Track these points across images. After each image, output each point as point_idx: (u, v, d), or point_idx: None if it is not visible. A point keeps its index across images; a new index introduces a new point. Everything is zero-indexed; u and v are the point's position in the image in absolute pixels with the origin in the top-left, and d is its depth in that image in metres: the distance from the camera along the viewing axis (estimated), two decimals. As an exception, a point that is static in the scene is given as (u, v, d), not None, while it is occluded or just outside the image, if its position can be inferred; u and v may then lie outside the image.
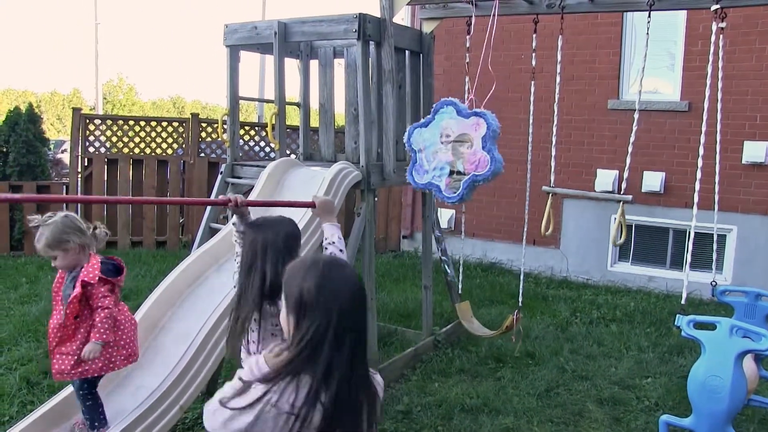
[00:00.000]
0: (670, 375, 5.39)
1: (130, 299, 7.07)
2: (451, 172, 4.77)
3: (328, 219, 3.05)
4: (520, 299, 5.33)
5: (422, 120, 4.94)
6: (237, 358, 2.79)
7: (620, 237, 4.71)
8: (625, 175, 4.71)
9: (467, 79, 5.42)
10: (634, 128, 4.58)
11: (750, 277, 7.54)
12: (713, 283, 4.59)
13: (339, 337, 1.73)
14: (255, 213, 3.07)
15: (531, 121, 5.28)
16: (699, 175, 4.34)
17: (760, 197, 7.73)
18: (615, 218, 4.76)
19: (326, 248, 2.88)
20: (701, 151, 4.33)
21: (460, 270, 6.09)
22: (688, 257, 4.33)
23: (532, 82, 5.18)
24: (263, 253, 2.66)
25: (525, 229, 5.33)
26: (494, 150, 4.74)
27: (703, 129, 4.34)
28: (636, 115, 4.59)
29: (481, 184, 4.72)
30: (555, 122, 5.01)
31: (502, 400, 4.89)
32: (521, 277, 5.31)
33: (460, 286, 6.11)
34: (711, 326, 3.84)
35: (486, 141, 4.78)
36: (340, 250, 2.87)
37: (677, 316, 3.95)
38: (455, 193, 4.77)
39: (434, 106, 4.89)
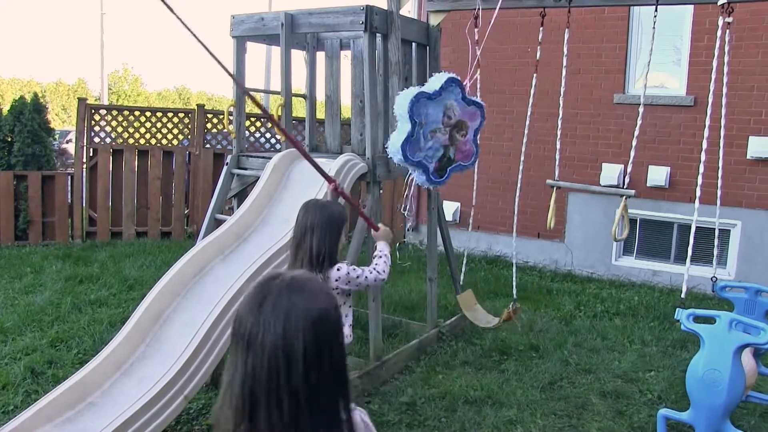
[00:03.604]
0: (673, 369, 5.40)
1: (135, 289, 7.11)
2: (442, 156, 4.67)
3: (388, 242, 3.68)
4: (514, 291, 5.44)
5: (428, 89, 4.49)
6: None
7: (622, 232, 4.69)
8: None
9: (470, 68, 5.42)
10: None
11: (753, 273, 7.54)
12: (713, 279, 4.59)
13: (269, 393, 1.30)
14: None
15: (529, 113, 5.28)
16: (702, 169, 4.33)
17: (765, 192, 7.71)
18: (617, 212, 4.74)
19: (380, 256, 3.57)
20: (705, 145, 4.33)
21: (464, 262, 6.10)
22: (690, 252, 4.33)
23: (534, 75, 5.17)
24: (311, 231, 3.21)
25: (515, 220, 5.34)
26: (477, 141, 4.77)
27: (708, 124, 4.33)
28: (641, 109, 4.58)
29: (458, 172, 4.76)
30: (560, 116, 5.01)
31: (506, 392, 4.91)
32: (514, 270, 5.33)
33: (462, 278, 6.12)
34: (711, 320, 3.85)
35: (476, 133, 4.79)
36: (387, 263, 3.55)
37: (677, 309, 3.96)
38: (440, 178, 4.68)
39: (443, 78, 4.54)
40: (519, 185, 5.46)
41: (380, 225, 3.77)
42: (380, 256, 3.58)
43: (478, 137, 4.83)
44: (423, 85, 4.60)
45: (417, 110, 4.34)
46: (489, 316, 5.82)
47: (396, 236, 10.31)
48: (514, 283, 5.55)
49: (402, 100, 4.33)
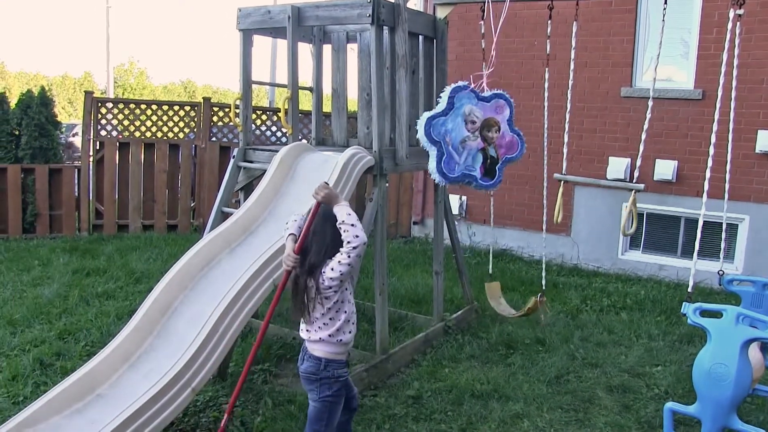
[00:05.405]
0: (680, 363, 5.39)
1: (142, 282, 7.13)
2: (485, 159, 4.84)
3: (335, 202, 3.30)
4: (543, 282, 5.69)
5: (437, 109, 4.87)
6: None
7: (631, 226, 4.69)
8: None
9: (485, 64, 5.40)
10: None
11: (762, 267, 7.51)
12: (720, 272, 4.57)
13: None
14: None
15: (546, 106, 5.27)
16: (710, 163, 4.31)
17: (774, 187, 7.68)
18: (626, 206, 4.74)
19: (340, 227, 3.19)
20: (713, 139, 4.30)
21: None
22: (697, 246, 4.31)
23: (546, 69, 5.16)
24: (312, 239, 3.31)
25: (545, 217, 5.36)
26: (517, 130, 4.86)
27: (716, 117, 4.30)
28: (650, 102, 4.57)
29: (510, 164, 4.86)
30: (568, 109, 4.99)
31: (512, 386, 4.91)
32: (543, 262, 5.34)
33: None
34: (717, 314, 3.83)
35: (511, 123, 4.87)
36: (352, 225, 3.18)
37: (684, 303, 3.95)
38: (492, 179, 4.89)
39: (447, 92, 4.87)
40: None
41: (316, 195, 3.32)
42: (340, 227, 3.20)
43: (513, 125, 4.97)
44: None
45: (435, 131, 4.71)
46: (511, 309, 6.01)
47: (403, 230, 10.32)
48: (543, 274, 5.77)
49: (419, 129, 4.72)
